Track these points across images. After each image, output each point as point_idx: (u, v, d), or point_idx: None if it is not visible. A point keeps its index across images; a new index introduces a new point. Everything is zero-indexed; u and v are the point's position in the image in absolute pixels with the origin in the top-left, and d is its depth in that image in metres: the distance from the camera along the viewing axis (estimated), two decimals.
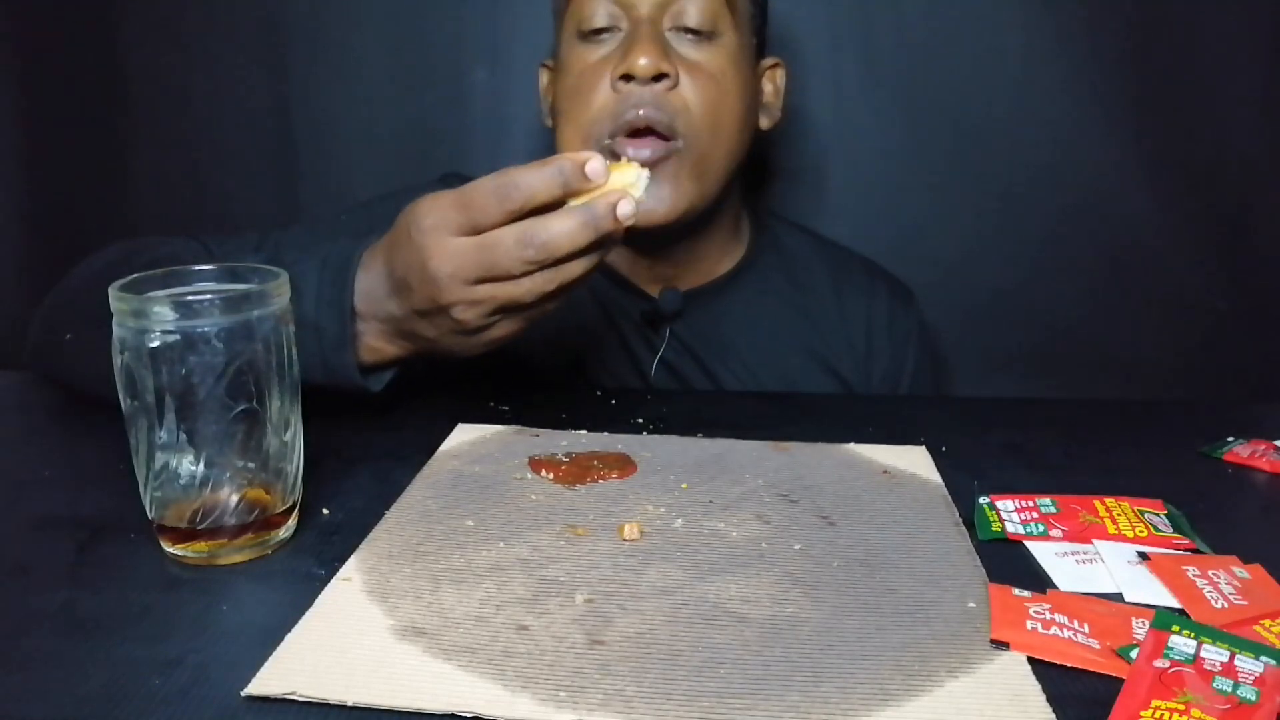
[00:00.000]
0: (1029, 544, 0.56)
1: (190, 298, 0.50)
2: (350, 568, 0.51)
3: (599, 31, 0.80)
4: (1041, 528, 0.57)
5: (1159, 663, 0.42)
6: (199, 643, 0.45)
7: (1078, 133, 1.09)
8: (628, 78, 0.77)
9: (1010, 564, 0.54)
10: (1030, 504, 0.60)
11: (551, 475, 0.63)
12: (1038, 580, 0.52)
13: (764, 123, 0.89)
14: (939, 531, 0.57)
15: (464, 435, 0.70)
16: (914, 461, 0.67)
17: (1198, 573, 0.51)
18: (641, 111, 0.77)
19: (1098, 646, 0.45)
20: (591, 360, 0.89)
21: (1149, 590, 0.51)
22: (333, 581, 0.50)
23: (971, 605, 0.49)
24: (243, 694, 0.41)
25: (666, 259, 0.88)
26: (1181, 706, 0.40)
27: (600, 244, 0.57)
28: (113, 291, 0.50)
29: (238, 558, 0.52)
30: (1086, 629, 0.46)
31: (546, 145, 1.10)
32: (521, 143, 1.13)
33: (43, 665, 0.43)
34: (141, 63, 1.15)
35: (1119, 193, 1.10)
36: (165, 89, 1.15)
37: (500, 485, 0.62)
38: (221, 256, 0.76)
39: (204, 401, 0.49)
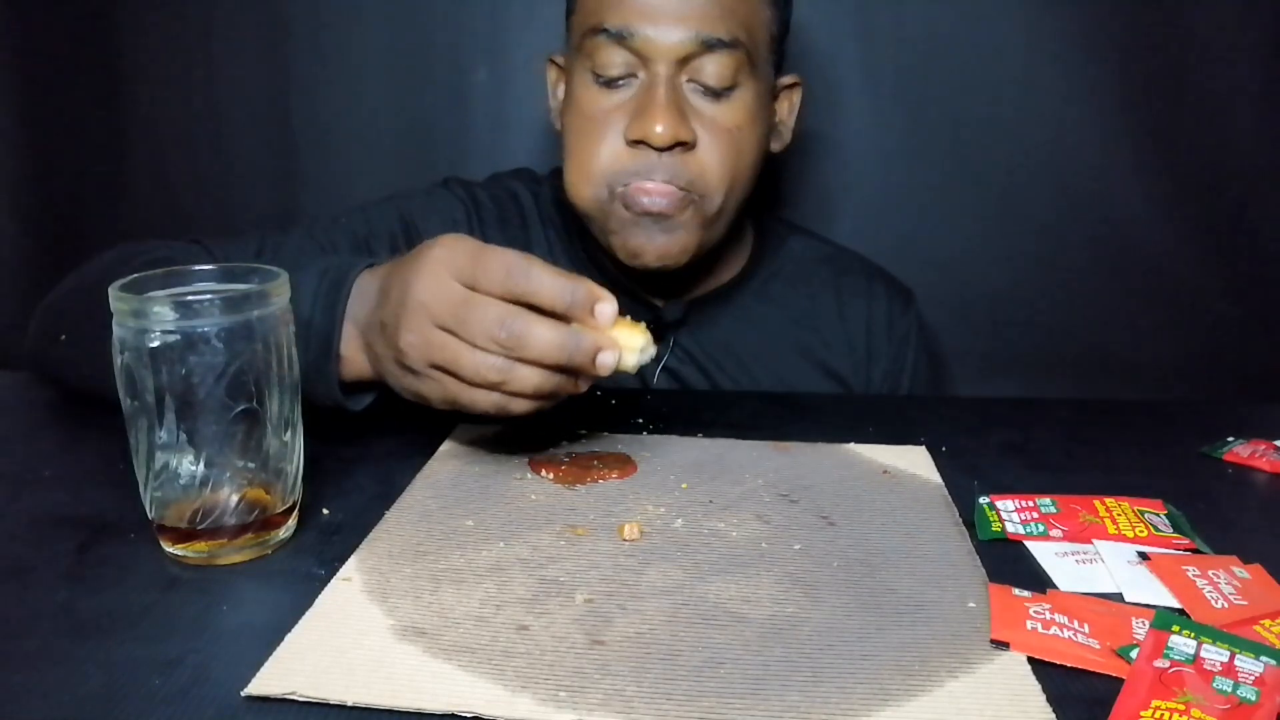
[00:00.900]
0: (1029, 544, 0.56)
1: (190, 298, 0.50)
2: (350, 568, 0.51)
3: (615, 79, 0.77)
4: (1041, 528, 0.57)
5: (1159, 663, 0.42)
6: (199, 643, 0.45)
7: (1078, 133, 1.09)
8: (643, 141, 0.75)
9: (1010, 564, 0.54)
10: (1030, 504, 0.60)
11: (551, 475, 0.63)
12: (1038, 580, 0.52)
13: (774, 146, 0.87)
14: (939, 531, 0.57)
15: (464, 435, 0.70)
16: (914, 461, 0.67)
17: (1198, 573, 0.51)
18: (658, 176, 0.76)
19: (1098, 646, 0.45)
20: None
21: (1149, 590, 0.51)
22: (333, 581, 0.50)
23: (971, 605, 0.49)
24: (243, 694, 0.41)
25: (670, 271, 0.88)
26: (1181, 706, 0.40)
27: (565, 371, 0.55)
28: (113, 291, 0.50)
29: (238, 558, 0.52)
30: (1086, 629, 0.46)
31: (548, 145, 1.11)
32: (522, 143, 1.13)
33: (43, 665, 0.43)
34: (141, 63, 1.15)
35: (1119, 193, 1.10)
36: (165, 89, 1.15)
37: (500, 485, 0.62)
38: (222, 259, 0.75)
39: (204, 401, 0.49)
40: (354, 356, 0.62)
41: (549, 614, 0.47)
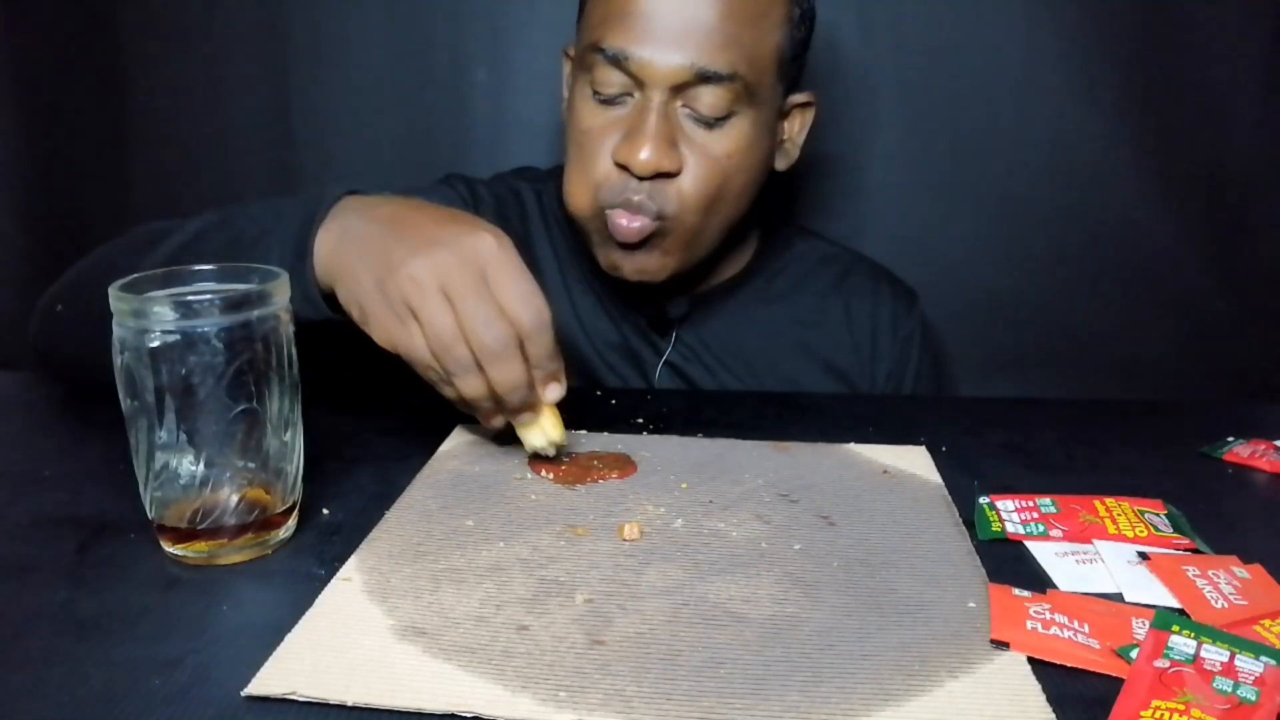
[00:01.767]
0: (1029, 544, 0.56)
1: (190, 298, 0.50)
2: (350, 568, 0.51)
3: (612, 97, 0.77)
4: (1041, 528, 0.57)
5: (1159, 663, 0.42)
6: (199, 643, 0.45)
7: (1078, 133, 1.09)
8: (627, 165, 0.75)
9: (1010, 564, 0.54)
10: (1030, 504, 0.60)
11: (551, 475, 0.63)
12: (1038, 580, 0.52)
13: (780, 164, 0.86)
14: (939, 531, 0.57)
15: (464, 435, 0.70)
16: (914, 461, 0.67)
17: (1198, 573, 0.51)
18: (636, 198, 0.76)
19: (1098, 646, 0.45)
20: (596, 364, 0.89)
21: (1149, 590, 0.51)
22: (333, 581, 0.50)
23: (971, 605, 0.49)
24: (243, 694, 0.41)
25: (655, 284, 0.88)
26: (1181, 706, 0.40)
27: (495, 400, 0.60)
28: (113, 291, 0.50)
29: (238, 558, 0.52)
30: (1086, 629, 0.46)
31: (548, 144, 1.11)
32: (522, 143, 1.13)
33: (43, 665, 0.43)
34: (141, 62, 1.15)
35: (1119, 193, 1.10)
36: (165, 88, 1.15)
37: (500, 485, 0.62)
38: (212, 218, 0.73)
39: (204, 401, 0.49)
40: (321, 252, 0.61)
41: (549, 614, 0.47)
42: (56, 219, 1.18)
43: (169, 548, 0.52)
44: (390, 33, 1.12)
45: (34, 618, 0.47)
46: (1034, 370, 1.15)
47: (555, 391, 0.61)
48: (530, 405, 0.61)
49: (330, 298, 0.62)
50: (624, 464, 0.65)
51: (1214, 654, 0.43)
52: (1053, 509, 0.59)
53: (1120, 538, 0.56)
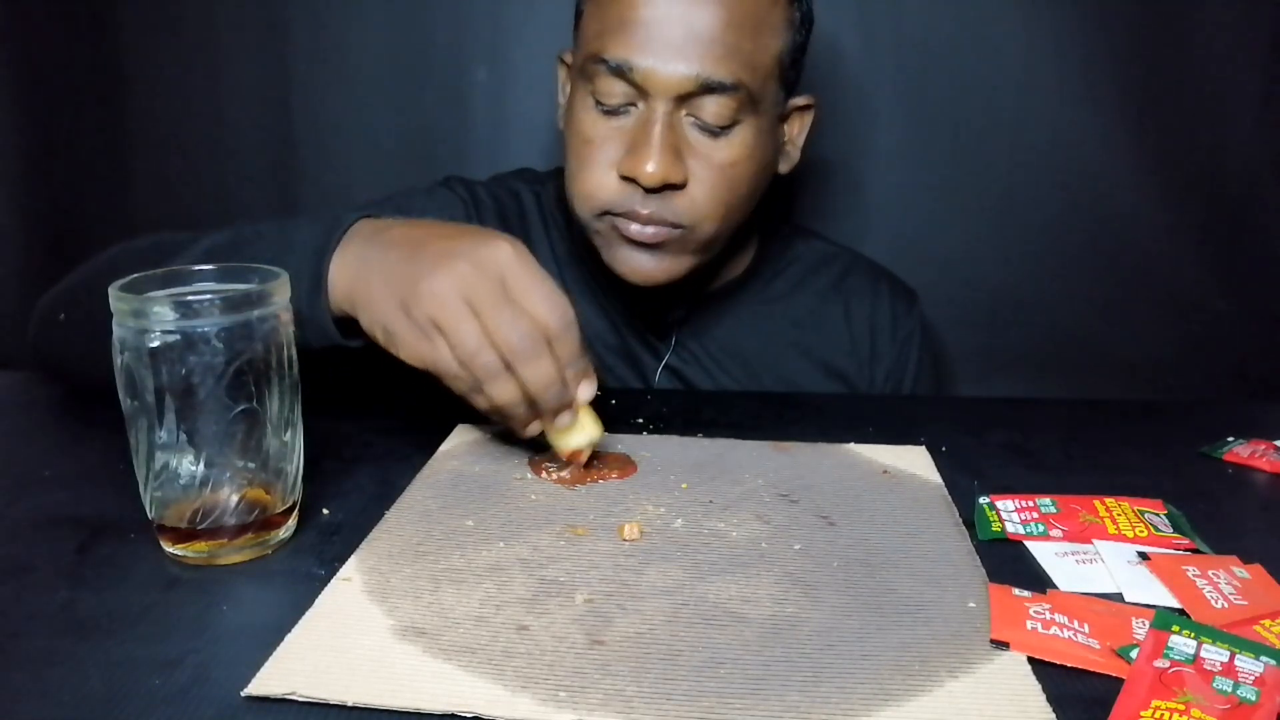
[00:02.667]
0: (1029, 544, 0.56)
1: (190, 298, 0.50)
2: (350, 568, 0.51)
3: (615, 108, 0.76)
4: (1041, 528, 0.57)
5: (1159, 663, 0.42)
6: (199, 643, 0.45)
7: (1078, 133, 1.09)
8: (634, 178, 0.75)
9: (1010, 564, 0.54)
10: (1030, 504, 0.60)
11: (552, 476, 0.63)
12: (1038, 580, 0.52)
13: (782, 167, 0.86)
14: (939, 531, 0.57)
15: (464, 435, 0.70)
16: (914, 461, 0.67)
17: (1198, 573, 0.51)
18: (645, 211, 0.75)
19: (1098, 646, 0.45)
20: (596, 365, 0.89)
21: (1149, 590, 0.51)
22: (333, 581, 0.50)
23: (971, 605, 0.49)
24: (243, 694, 0.41)
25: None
26: (1181, 706, 0.40)
27: (531, 405, 0.59)
28: (113, 291, 0.50)
29: (238, 558, 0.52)
30: (1086, 629, 0.46)
31: (548, 145, 1.11)
32: (522, 143, 1.13)
33: (43, 665, 0.43)
34: (141, 63, 1.15)
35: (1119, 193, 1.10)
36: (165, 89, 1.15)
37: (500, 485, 0.62)
38: (220, 241, 0.74)
39: (204, 401, 0.49)
40: (338, 282, 0.61)
41: (549, 614, 0.47)
42: (56, 219, 1.18)
43: (169, 548, 0.52)
44: (390, 33, 1.12)
45: (34, 618, 0.47)
46: (1034, 370, 1.16)
47: (588, 389, 0.61)
48: (567, 404, 0.60)
49: (341, 324, 0.62)
50: (624, 464, 0.65)
51: (1214, 654, 0.43)
52: (1053, 509, 0.59)
53: (1120, 538, 0.56)
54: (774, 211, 0.96)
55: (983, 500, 0.60)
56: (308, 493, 0.57)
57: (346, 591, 0.49)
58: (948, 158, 1.11)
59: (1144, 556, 0.54)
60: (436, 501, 0.60)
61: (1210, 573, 0.51)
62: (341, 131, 1.15)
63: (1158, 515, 0.59)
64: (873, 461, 0.67)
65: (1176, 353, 1.14)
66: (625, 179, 0.76)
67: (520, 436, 0.63)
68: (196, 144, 1.16)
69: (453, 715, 0.40)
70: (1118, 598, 0.51)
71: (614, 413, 0.77)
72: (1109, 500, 0.60)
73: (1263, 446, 0.70)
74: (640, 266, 0.79)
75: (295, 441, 0.54)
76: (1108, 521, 0.58)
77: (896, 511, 0.59)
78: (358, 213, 0.64)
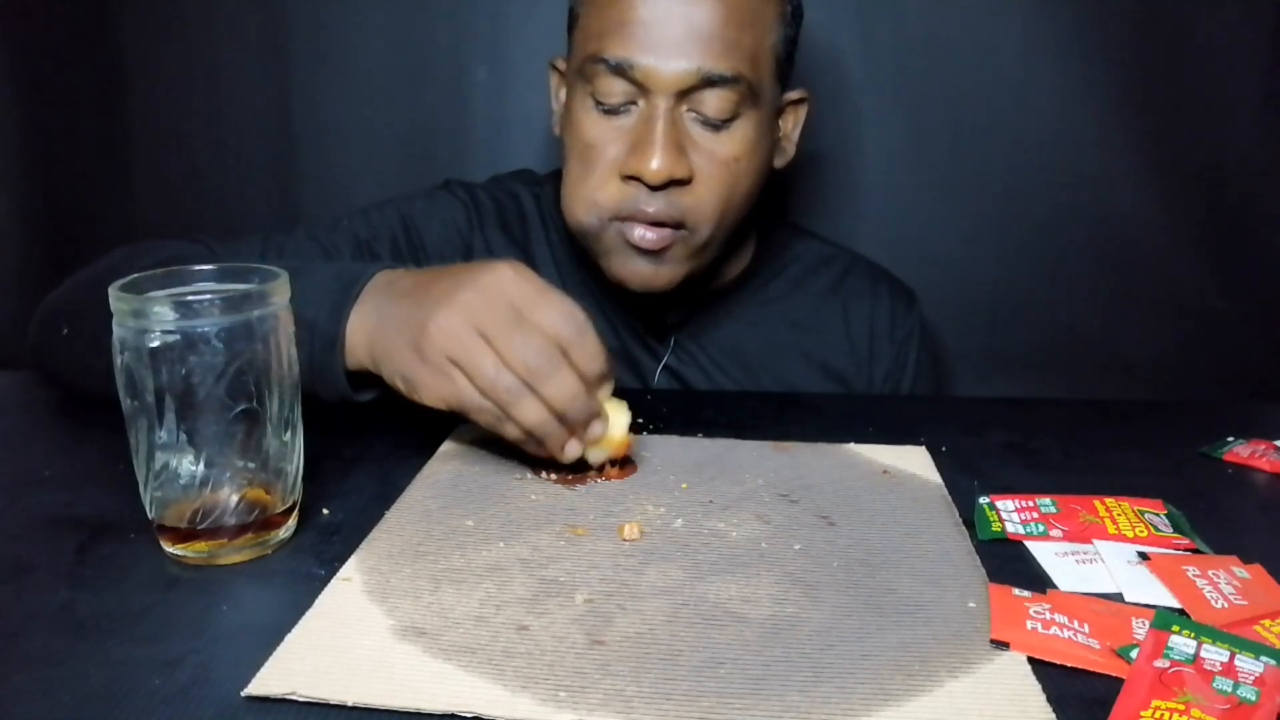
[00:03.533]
0: (1029, 544, 0.56)
1: (190, 298, 0.50)
2: (350, 568, 0.51)
3: (615, 107, 0.76)
4: (1041, 528, 0.57)
5: (1159, 663, 0.42)
6: (199, 643, 0.45)
7: (1078, 133, 1.09)
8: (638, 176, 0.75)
9: (1010, 564, 0.54)
10: (1030, 504, 0.60)
11: (552, 476, 0.63)
12: (1038, 580, 0.52)
13: (778, 162, 0.86)
14: (939, 531, 0.57)
15: (464, 435, 0.70)
16: (914, 461, 0.67)
17: (1198, 573, 0.51)
18: (651, 209, 0.76)
19: (1098, 646, 0.45)
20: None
21: (1149, 590, 0.51)
22: (333, 581, 0.50)
23: (971, 605, 0.49)
24: (243, 694, 0.41)
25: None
26: (1181, 706, 0.40)
27: (563, 423, 0.59)
28: (113, 291, 0.50)
29: (238, 558, 0.52)
30: (1086, 629, 0.46)
31: (548, 145, 1.11)
32: (522, 143, 1.13)
33: (43, 665, 0.43)
34: (141, 63, 1.15)
35: (1119, 193, 1.10)
36: (165, 89, 1.15)
37: (500, 485, 0.62)
38: (225, 258, 0.75)
39: (204, 401, 0.49)
40: (356, 339, 0.62)
41: (549, 614, 0.47)
42: (57, 220, 1.18)
43: (169, 548, 0.52)
44: (390, 33, 1.12)
45: (34, 618, 0.47)
46: (1034, 370, 1.16)
47: (609, 389, 0.61)
48: (595, 413, 0.60)
49: (353, 378, 0.63)
50: (624, 464, 0.65)
51: (1214, 654, 0.43)
52: (1053, 509, 0.59)
53: (1120, 538, 0.56)
54: (771, 210, 0.96)
55: (983, 500, 0.60)
56: (308, 493, 0.57)
57: (346, 591, 0.49)
58: (947, 157, 1.11)
59: (1144, 556, 0.54)
60: (436, 501, 0.60)
61: (1210, 573, 0.51)
62: (341, 131, 1.15)
63: (1158, 515, 0.59)
64: (873, 461, 0.67)
65: (1176, 353, 1.14)
66: (628, 179, 0.76)
67: (561, 461, 0.61)
68: (196, 144, 1.16)
69: (453, 715, 0.40)
70: (1118, 598, 0.51)
71: None
72: (1109, 500, 0.60)
73: (1263, 446, 0.70)
74: (641, 272, 0.79)
75: (295, 441, 0.54)
76: (1108, 521, 0.58)
77: (896, 511, 0.59)
78: (374, 266, 0.64)
